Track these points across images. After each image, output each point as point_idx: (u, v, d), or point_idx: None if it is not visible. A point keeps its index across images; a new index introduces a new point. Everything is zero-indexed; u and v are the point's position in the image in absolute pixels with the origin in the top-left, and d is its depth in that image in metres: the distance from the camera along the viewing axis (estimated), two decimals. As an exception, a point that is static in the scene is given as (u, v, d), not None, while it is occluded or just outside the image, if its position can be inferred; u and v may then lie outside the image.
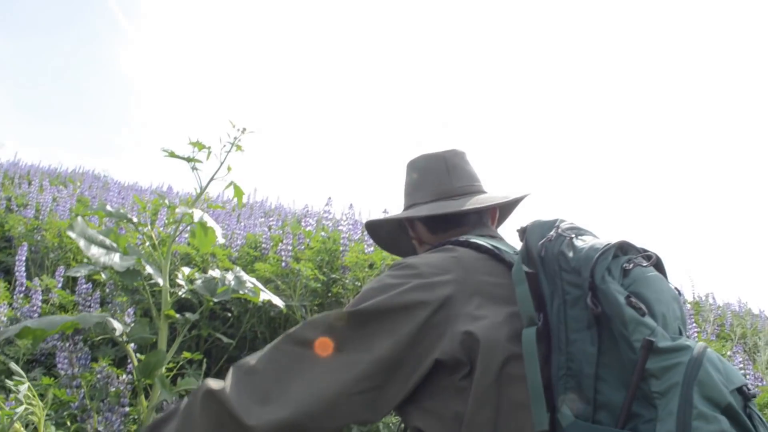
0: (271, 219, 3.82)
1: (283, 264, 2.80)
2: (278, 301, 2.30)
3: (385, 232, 1.49)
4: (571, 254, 0.92)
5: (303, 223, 3.48)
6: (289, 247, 2.85)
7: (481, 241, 1.11)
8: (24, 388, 1.29)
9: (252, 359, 1.02)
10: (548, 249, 0.94)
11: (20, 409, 1.26)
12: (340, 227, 3.04)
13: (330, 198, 3.40)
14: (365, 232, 3.26)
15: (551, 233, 0.97)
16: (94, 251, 1.95)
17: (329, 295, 2.94)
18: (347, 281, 2.77)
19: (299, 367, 0.97)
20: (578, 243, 0.93)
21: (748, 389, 0.83)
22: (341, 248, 2.89)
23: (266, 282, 2.83)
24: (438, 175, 1.32)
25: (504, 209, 1.40)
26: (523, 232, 1.02)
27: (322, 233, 3.13)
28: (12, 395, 1.32)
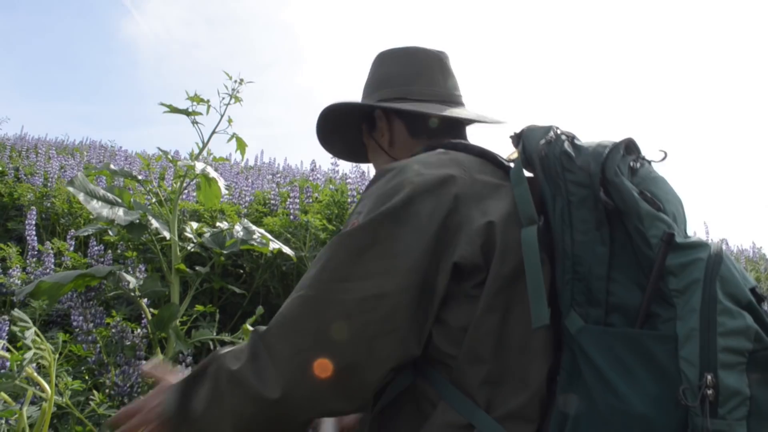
0: (278, 177, 3.80)
1: (292, 217, 2.79)
2: (288, 250, 2.29)
3: (339, 126, 1.26)
4: (575, 154, 0.87)
5: (311, 178, 3.45)
6: (297, 201, 2.83)
7: (472, 144, 1.05)
8: (30, 332, 1.28)
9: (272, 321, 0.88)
10: (549, 150, 0.89)
11: (29, 354, 1.25)
12: (348, 180, 3.01)
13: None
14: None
15: (550, 135, 0.91)
16: (96, 205, 1.94)
17: (340, 248, 2.93)
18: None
19: (319, 312, 0.84)
20: (581, 143, 0.89)
21: (759, 291, 0.79)
22: (349, 200, 2.87)
23: (275, 236, 2.83)
24: (433, 74, 1.18)
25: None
26: (518, 137, 0.96)
27: (330, 186, 3.11)
28: (20, 342, 1.31)
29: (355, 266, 0.84)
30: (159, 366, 1.06)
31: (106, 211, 1.93)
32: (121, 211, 1.99)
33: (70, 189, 1.92)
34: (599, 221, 0.83)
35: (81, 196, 1.92)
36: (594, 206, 0.83)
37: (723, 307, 0.73)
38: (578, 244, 0.84)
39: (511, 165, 0.98)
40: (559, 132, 0.92)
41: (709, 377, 0.71)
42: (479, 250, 0.85)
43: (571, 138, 0.91)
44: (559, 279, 0.86)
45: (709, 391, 0.70)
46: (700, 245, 0.77)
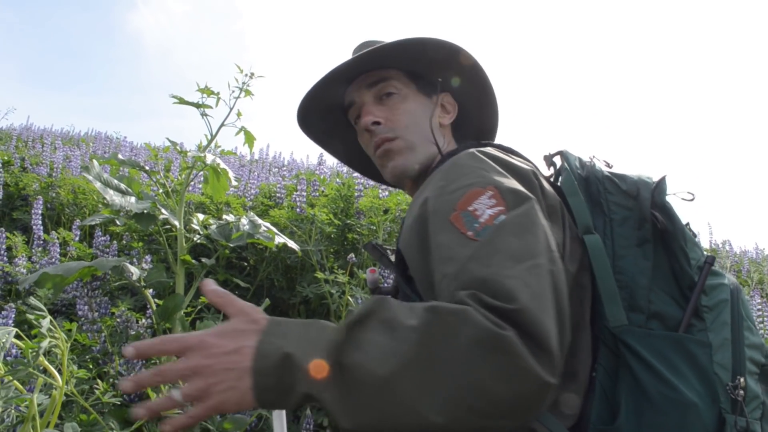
0: (284, 170, 3.81)
1: (298, 210, 2.79)
2: (293, 245, 2.30)
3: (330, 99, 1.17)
4: (618, 180, 0.98)
5: (318, 172, 3.45)
6: (304, 194, 2.83)
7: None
8: (46, 321, 1.29)
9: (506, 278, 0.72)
10: (590, 172, 0.99)
11: (44, 343, 1.26)
12: (355, 174, 3.01)
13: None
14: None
15: (588, 160, 1.02)
16: (111, 194, 1.95)
17: (345, 242, 2.93)
18: (362, 227, 2.76)
19: (557, 283, 0.75)
20: (622, 173, 1.00)
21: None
22: (356, 194, 2.87)
23: (281, 230, 2.83)
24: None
25: None
26: (551, 156, 1.05)
27: (337, 180, 3.11)
28: (34, 330, 1.32)
29: (548, 238, 0.81)
30: (230, 295, 0.77)
31: (119, 200, 1.95)
32: (133, 200, 2.01)
33: (87, 176, 1.94)
34: (642, 239, 0.93)
35: (98, 185, 1.93)
36: (637, 226, 0.94)
37: (746, 324, 0.89)
38: (620, 257, 0.92)
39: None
40: (595, 158, 1.04)
41: (741, 380, 0.84)
42: (561, 239, 0.91)
43: (610, 165, 1.03)
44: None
45: (741, 392, 0.83)
46: (722, 273, 0.93)
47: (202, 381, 0.69)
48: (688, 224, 0.96)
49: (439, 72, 1.15)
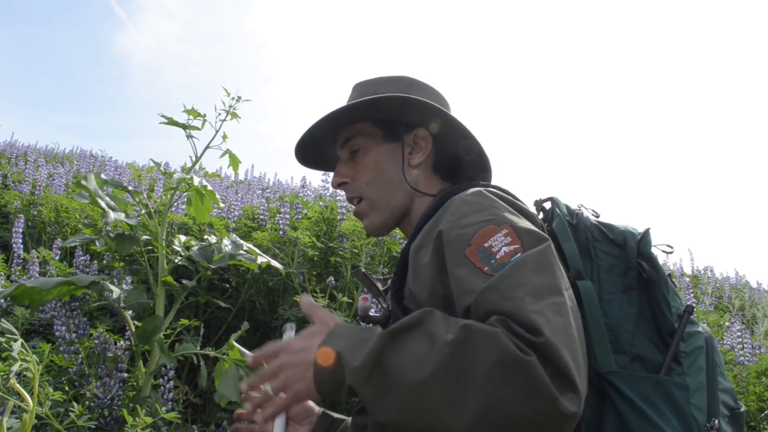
0: (268, 191, 3.81)
1: (281, 233, 2.79)
2: (277, 264, 2.29)
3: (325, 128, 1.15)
4: (605, 229, 1.03)
5: (301, 194, 3.46)
6: (287, 216, 2.83)
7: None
8: (17, 345, 1.27)
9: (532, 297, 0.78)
10: (580, 220, 1.04)
11: (15, 367, 1.24)
12: (338, 197, 3.02)
13: (327, 168, 3.34)
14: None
15: (576, 208, 1.07)
16: (104, 205, 1.95)
17: (327, 265, 2.93)
18: (345, 250, 2.76)
19: (574, 318, 0.80)
20: (609, 222, 1.04)
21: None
22: (339, 217, 2.87)
23: (264, 252, 2.83)
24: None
25: None
26: (541, 202, 1.10)
27: (320, 203, 3.12)
28: (5, 353, 1.30)
29: (563, 278, 0.86)
30: (318, 306, 0.92)
31: (114, 214, 1.94)
32: (123, 216, 2.02)
33: (86, 186, 1.93)
34: (627, 286, 0.98)
35: (103, 203, 1.93)
36: (623, 273, 0.99)
37: (720, 370, 0.97)
38: (606, 302, 0.97)
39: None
40: (583, 207, 1.09)
41: (716, 422, 0.90)
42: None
43: (597, 215, 1.09)
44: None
45: None
46: (697, 322, 1.00)
47: (283, 374, 0.85)
48: (669, 274, 1.01)
49: (402, 114, 1.13)
